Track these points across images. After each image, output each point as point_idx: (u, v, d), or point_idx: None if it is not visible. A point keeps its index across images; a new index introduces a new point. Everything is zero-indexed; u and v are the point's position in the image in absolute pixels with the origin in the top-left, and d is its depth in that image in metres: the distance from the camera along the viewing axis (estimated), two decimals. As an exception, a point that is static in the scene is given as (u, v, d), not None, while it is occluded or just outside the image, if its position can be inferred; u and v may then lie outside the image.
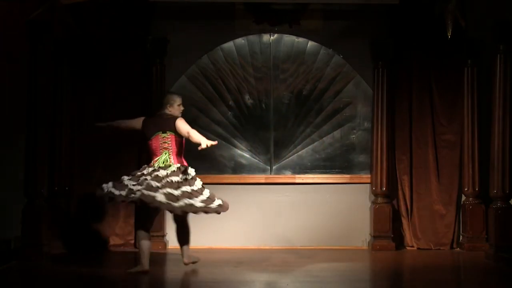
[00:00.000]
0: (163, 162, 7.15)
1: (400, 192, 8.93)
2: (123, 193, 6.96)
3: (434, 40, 8.77)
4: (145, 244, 7.11)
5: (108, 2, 8.57)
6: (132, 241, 8.69)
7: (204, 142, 6.99)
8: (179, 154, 7.24)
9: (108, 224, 8.67)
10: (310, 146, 9.07)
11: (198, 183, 7.17)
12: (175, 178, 7.06)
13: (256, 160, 9.05)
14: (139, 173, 7.13)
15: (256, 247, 8.85)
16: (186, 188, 7.04)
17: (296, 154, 9.06)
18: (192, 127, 7.26)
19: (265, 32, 9.05)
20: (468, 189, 8.78)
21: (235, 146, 9.04)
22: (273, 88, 9.07)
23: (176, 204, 6.91)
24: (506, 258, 7.67)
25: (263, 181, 8.99)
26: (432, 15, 8.33)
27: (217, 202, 7.11)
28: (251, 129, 9.06)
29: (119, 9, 8.71)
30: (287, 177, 9.03)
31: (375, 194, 8.83)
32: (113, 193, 7.00)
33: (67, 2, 7.91)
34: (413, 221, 8.89)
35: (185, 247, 7.33)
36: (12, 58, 8.26)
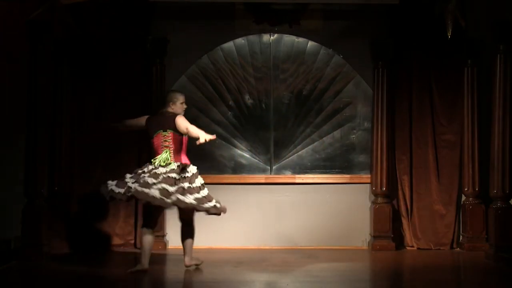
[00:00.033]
0: (164, 161, 7.16)
1: (400, 192, 8.93)
2: (122, 191, 7.03)
3: (434, 40, 8.77)
4: (146, 240, 7.14)
5: (108, 2, 8.56)
6: (132, 241, 8.70)
7: (203, 137, 7.02)
8: (180, 152, 7.25)
9: (108, 224, 8.67)
10: (310, 146, 9.07)
11: (198, 181, 7.18)
12: (172, 175, 7.08)
13: (256, 160, 9.05)
14: (140, 171, 7.19)
15: (256, 247, 8.85)
16: (184, 185, 7.06)
17: (296, 154, 9.06)
18: (193, 126, 7.29)
19: (265, 32, 9.06)
20: (468, 189, 8.78)
21: (235, 146, 9.04)
22: (273, 88, 9.07)
23: (168, 200, 6.94)
24: (506, 258, 7.67)
25: (263, 181, 8.99)
26: (432, 15, 8.33)
27: (212, 203, 7.11)
28: (251, 129, 9.06)
29: (119, 9, 8.70)
30: (287, 177, 9.03)
31: (375, 194, 8.83)
32: (114, 191, 7.04)
33: (67, 2, 7.90)
34: (413, 221, 8.89)
35: (187, 248, 7.32)
36: (12, 58, 8.26)
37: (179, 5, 8.82)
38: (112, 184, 7.11)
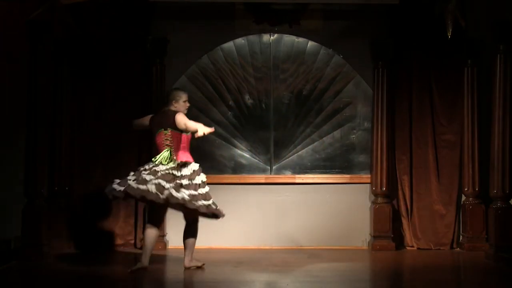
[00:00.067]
0: (166, 159, 7.17)
1: (400, 192, 8.93)
2: (122, 188, 7.04)
3: (434, 40, 8.78)
4: (149, 235, 7.17)
5: (108, 2, 8.56)
6: (132, 241, 8.70)
7: (201, 130, 7.06)
8: (181, 150, 7.25)
9: (108, 224, 8.67)
10: (310, 146, 9.07)
11: (199, 178, 7.16)
12: (172, 172, 7.08)
13: (256, 160, 9.05)
14: (141, 169, 7.21)
15: (256, 247, 8.85)
16: (182, 181, 7.05)
17: (296, 154, 9.06)
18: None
19: (265, 32, 9.05)
20: (468, 189, 8.78)
21: (235, 146, 9.04)
22: (273, 88, 9.07)
23: (162, 195, 6.95)
24: (506, 258, 7.67)
25: (263, 181, 8.99)
26: (432, 15, 8.33)
27: (207, 202, 7.08)
28: (251, 129, 9.06)
29: (119, 9, 8.70)
30: (287, 177, 9.03)
31: (375, 194, 8.83)
32: (115, 189, 7.07)
33: (67, 2, 7.91)
34: (413, 221, 8.89)
35: (188, 248, 7.30)
36: (12, 58, 8.26)
37: (179, 5, 8.82)
38: (115, 183, 7.13)
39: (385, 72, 8.80)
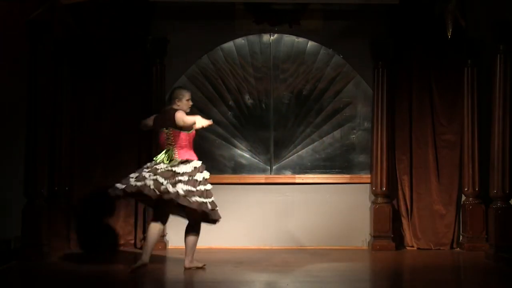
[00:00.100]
0: (167, 158, 7.18)
1: (400, 192, 8.93)
2: (123, 187, 7.06)
3: (434, 40, 8.78)
4: (152, 230, 7.19)
5: (108, 2, 8.56)
6: (132, 241, 8.70)
7: (199, 122, 7.07)
8: (183, 148, 7.25)
9: (108, 224, 8.67)
10: (310, 146, 9.07)
11: (200, 176, 7.16)
12: (172, 168, 7.08)
13: (256, 160, 9.05)
14: (144, 167, 7.25)
15: (256, 247, 8.85)
16: (182, 178, 7.05)
17: (296, 154, 9.07)
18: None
19: (265, 32, 9.05)
20: (468, 189, 8.78)
21: (235, 146, 9.04)
22: (273, 88, 9.07)
23: (157, 192, 6.97)
24: (506, 258, 7.66)
25: (263, 181, 8.99)
26: (432, 15, 8.33)
27: (203, 200, 7.07)
28: (251, 129, 9.06)
29: (119, 9, 8.70)
30: (287, 177, 9.03)
31: (375, 194, 8.83)
32: (118, 188, 7.11)
33: (67, 2, 7.91)
34: (413, 221, 8.89)
35: (188, 248, 7.29)
36: (12, 58, 8.26)
37: (179, 5, 8.82)
38: (119, 183, 7.16)
39: (385, 72, 8.80)
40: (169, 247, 8.71)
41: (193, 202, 7.00)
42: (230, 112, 9.05)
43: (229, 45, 9.04)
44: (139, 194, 7.09)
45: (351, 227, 8.95)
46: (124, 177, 7.24)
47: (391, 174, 8.84)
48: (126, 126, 8.67)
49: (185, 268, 7.29)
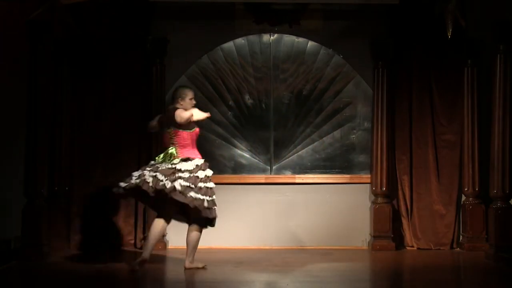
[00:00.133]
0: (169, 157, 7.19)
1: (400, 192, 8.93)
2: (124, 185, 7.08)
3: (434, 40, 8.78)
4: (154, 225, 7.20)
5: (108, 2, 8.56)
6: (132, 241, 8.69)
7: (196, 115, 7.08)
8: (186, 147, 7.25)
9: (108, 224, 8.66)
10: (310, 146, 9.07)
11: (202, 173, 7.16)
12: (173, 166, 7.09)
13: (256, 160, 9.05)
14: (147, 165, 7.26)
15: (256, 247, 8.85)
16: (182, 174, 7.05)
17: (296, 154, 9.06)
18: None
19: (265, 32, 9.05)
20: (468, 189, 8.78)
21: (235, 146, 9.04)
22: (273, 88, 9.07)
23: (156, 187, 6.98)
24: (506, 258, 7.66)
25: (263, 181, 8.99)
26: (432, 15, 8.33)
27: (198, 196, 7.06)
28: (251, 129, 9.06)
29: (119, 9, 8.70)
30: (287, 177, 9.03)
31: (375, 194, 8.83)
32: (121, 186, 7.14)
33: (67, 2, 7.91)
34: (413, 221, 8.88)
35: (189, 248, 7.29)
36: (12, 58, 8.26)
37: (179, 5, 8.82)
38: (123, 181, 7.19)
39: (385, 72, 8.80)
40: (169, 247, 8.70)
41: (188, 197, 7.01)
42: (230, 112, 9.05)
43: (229, 45, 9.04)
44: (139, 192, 7.10)
45: (351, 227, 8.94)
46: (125, 177, 7.25)
47: (391, 174, 8.84)
48: (126, 126, 8.67)
49: (185, 269, 7.29)
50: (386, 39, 8.82)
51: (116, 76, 8.74)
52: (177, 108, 7.28)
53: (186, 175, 7.07)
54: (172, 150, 7.23)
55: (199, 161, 7.23)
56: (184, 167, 7.12)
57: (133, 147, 8.67)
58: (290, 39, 9.07)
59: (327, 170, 9.04)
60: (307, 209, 8.95)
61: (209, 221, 7.26)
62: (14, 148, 8.22)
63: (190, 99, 7.38)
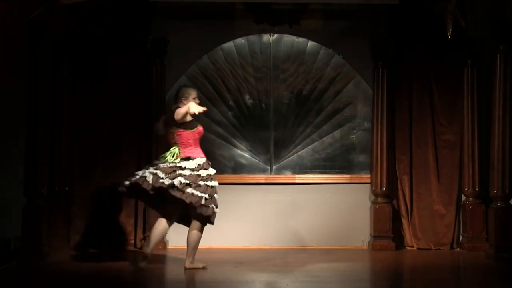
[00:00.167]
0: (172, 157, 7.19)
1: (400, 192, 8.93)
2: (127, 183, 7.10)
3: (434, 40, 8.78)
4: (157, 224, 7.22)
5: (108, 2, 8.56)
6: (132, 241, 8.69)
7: (192, 108, 7.07)
8: (188, 146, 7.25)
9: (108, 224, 8.66)
10: (310, 146, 9.07)
11: (204, 172, 7.16)
12: (175, 164, 7.09)
13: (256, 160, 9.05)
14: (150, 165, 7.28)
15: (256, 247, 8.85)
16: (183, 172, 7.05)
17: (296, 154, 9.06)
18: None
19: (265, 32, 9.05)
20: (468, 189, 8.78)
21: (235, 146, 9.04)
22: (273, 88, 9.07)
23: (154, 184, 6.99)
24: (506, 258, 7.66)
25: (263, 181, 8.99)
26: (432, 15, 8.33)
27: (200, 194, 7.06)
28: (251, 129, 9.06)
29: (119, 9, 8.70)
30: (287, 177, 9.03)
31: (375, 194, 8.83)
32: (124, 185, 7.16)
33: (67, 2, 7.91)
34: (413, 221, 8.89)
35: (189, 248, 7.28)
36: (12, 58, 8.26)
37: (179, 5, 8.82)
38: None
39: (385, 72, 8.80)
40: (169, 247, 8.70)
41: (185, 193, 7.01)
42: (230, 112, 9.05)
43: (229, 45, 9.04)
44: (139, 191, 7.10)
45: (351, 227, 8.95)
46: (125, 177, 7.26)
47: (391, 174, 8.84)
48: (126, 126, 8.67)
49: (186, 269, 7.29)
50: (386, 39, 8.82)
51: (116, 76, 8.74)
52: (178, 107, 7.29)
53: (187, 173, 7.08)
54: (175, 149, 7.24)
55: (201, 160, 7.23)
56: (185, 165, 7.13)
57: (133, 147, 8.67)
58: (290, 39, 9.07)
59: (327, 170, 9.04)
60: (307, 209, 8.95)
61: (207, 219, 7.23)
62: (14, 148, 8.22)
63: (194, 98, 7.36)
